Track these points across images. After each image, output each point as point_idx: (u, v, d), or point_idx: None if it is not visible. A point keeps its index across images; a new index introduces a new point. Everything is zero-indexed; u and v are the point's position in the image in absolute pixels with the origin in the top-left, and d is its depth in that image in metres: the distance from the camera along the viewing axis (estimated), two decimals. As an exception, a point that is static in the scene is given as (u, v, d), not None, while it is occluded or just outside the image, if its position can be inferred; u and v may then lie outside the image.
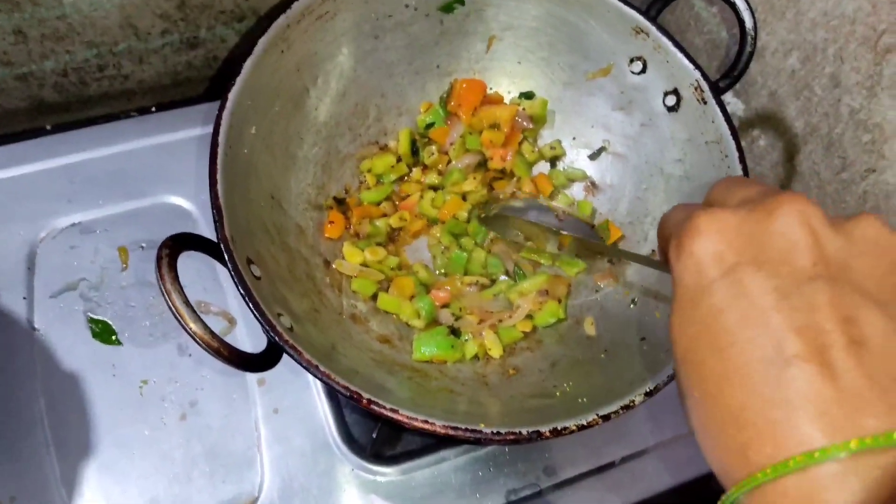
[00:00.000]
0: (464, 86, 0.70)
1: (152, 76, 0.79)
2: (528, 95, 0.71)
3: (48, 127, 0.75)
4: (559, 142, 0.72)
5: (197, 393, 0.62)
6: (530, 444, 0.64)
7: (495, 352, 0.63)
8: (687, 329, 0.33)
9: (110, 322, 0.63)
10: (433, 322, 0.64)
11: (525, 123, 0.71)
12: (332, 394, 0.63)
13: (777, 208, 0.32)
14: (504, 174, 0.71)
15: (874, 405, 0.28)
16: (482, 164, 0.71)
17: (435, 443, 0.62)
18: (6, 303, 0.63)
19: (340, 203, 0.67)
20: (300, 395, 0.63)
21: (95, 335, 0.63)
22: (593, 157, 0.71)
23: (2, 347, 0.61)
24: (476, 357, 0.63)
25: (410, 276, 0.66)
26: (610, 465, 0.65)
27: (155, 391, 0.62)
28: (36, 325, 0.63)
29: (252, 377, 0.63)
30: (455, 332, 0.63)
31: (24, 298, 0.63)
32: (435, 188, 0.70)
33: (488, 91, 0.72)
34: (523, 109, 0.71)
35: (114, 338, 0.63)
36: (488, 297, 0.66)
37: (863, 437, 0.27)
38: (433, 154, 0.70)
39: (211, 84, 0.83)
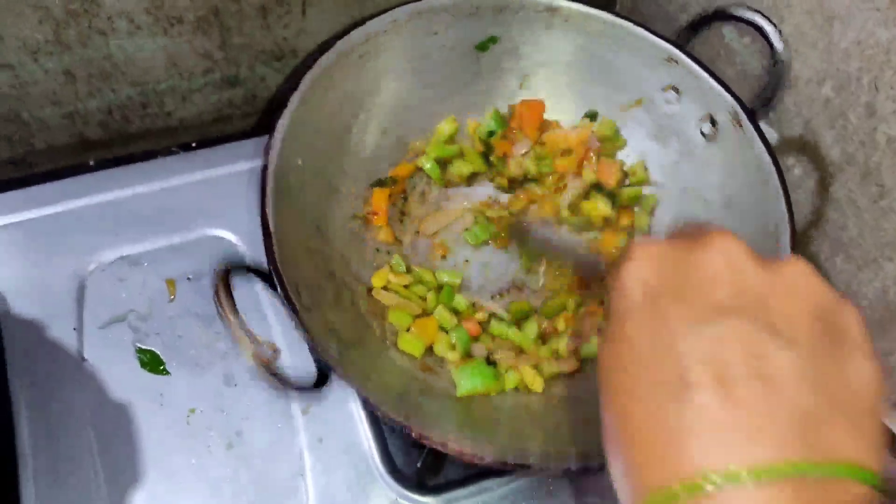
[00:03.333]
0: (524, 106, 0.71)
1: (193, 114, 0.81)
2: (591, 116, 0.72)
3: (91, 163, 0.77)
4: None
5: (242, 422, 0.63)
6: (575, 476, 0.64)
7: (536, 387, 0.63)
8: (608, 348, 0.34)
9: (158, 352, 0.65)
10: (468, 355, 0.64)
11: (596, 144, 0.71)
12: (376, 423, 0.63)
13: (704, 242, 0.33)
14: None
15: (766, 438, 0.28)
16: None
17: (479, 472, 0.62)
18: (57, 334, 0.64)
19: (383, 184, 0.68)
20: (344, 424, 0.64)
21: (144, 365, 0.64)
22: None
23: (52, 377, 0.63)
24: (517, 388, 0.63)
25: (432, 318, 0.65)
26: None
27: (202, 420, 0.63)
28: (85, 356, 0.64)
29: (296, 407, 0.64)
30: (491, 363, 0.64)
31: (74, 329, 0.65)
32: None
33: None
34: (592, 132, 0.71)
35: (162, 367, 0.64)
36: (520, 338, 0.66)
37: (753, 466, 0.28)
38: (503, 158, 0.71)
39: (252, 121, 0.85)
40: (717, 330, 0.31)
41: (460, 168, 0.70)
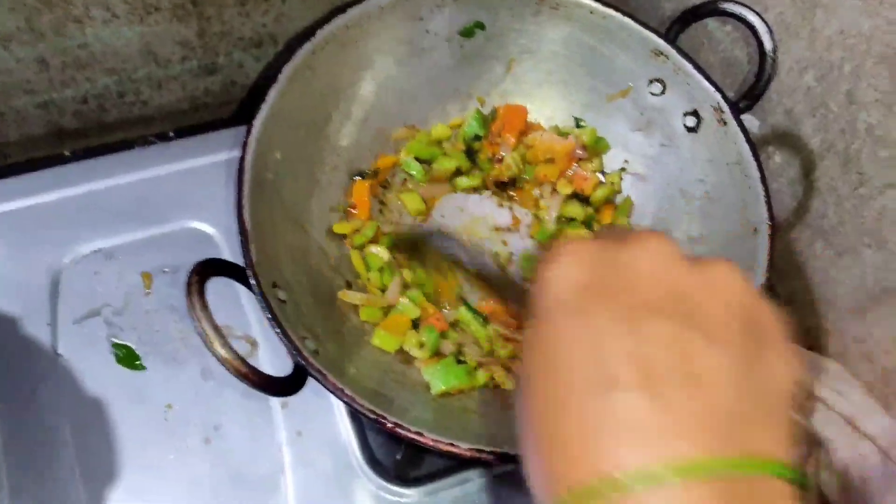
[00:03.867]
0: (506, 110, 0.71)
1: (171, 102, 0.80)
2: (576, 123, 0.72)
3: (67, 153, 0.76)
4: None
5: (221, 417, 0.62)
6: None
7: (507, 384, 0.62)
8: (530, 347, 0.33)
9: (134, 347, 0.64)
10: (437, 353, 0.63)
11: (580, 153, 0.71)
12: (356, 416, 0.63)
13: (633, 242, 0.33)
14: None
15: (691, 435, 0.28)
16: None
17: (458, 464, 0.62)
18: (30, 329, 0.63)
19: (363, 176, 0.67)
20: (324, 418, 0.63)
21: (119, 360, 0.63)
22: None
23: (27, 373, 0.62)
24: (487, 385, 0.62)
25: (403, 314, 0.64)
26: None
27: (179, 415, 0.62)
28: (60, 351, 0.63)
29: (275, 401, 0.63)
30: (461, 361, 0.63)
31: (49, 325, 0.64)
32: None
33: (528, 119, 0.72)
34: (578, 143, 0.71)
35: (138, 362, 0.63)
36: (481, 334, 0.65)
37: (675, 463, 0.27)
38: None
39: (230, 109, 0.84)
40: (645, 329, 0.30)
41: (443, 164, 0.69)
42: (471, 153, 0.71)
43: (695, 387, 0.29)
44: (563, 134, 0.71)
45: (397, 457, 0.61)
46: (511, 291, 0.66)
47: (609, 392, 0.29)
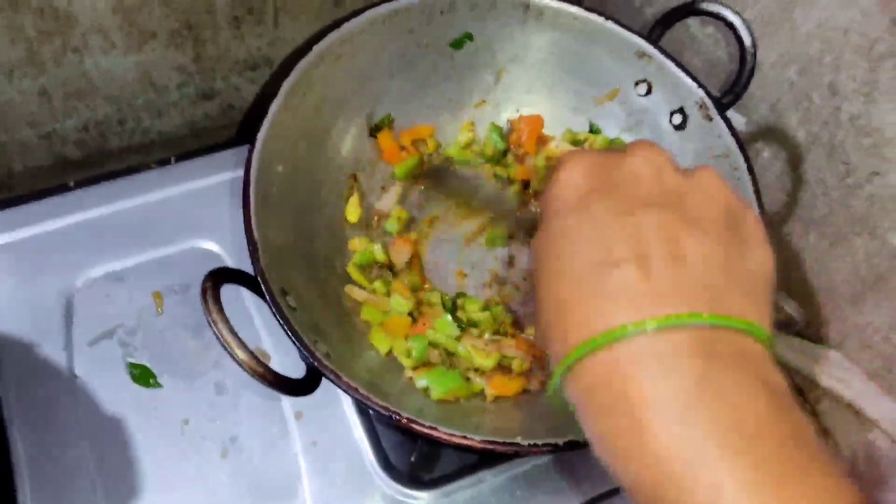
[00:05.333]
0: (523, 122, 0.73)
1: (170, 128, 0.81)
2: (595, 131, 0.73)
3: (71, 184, 0.77)
4: None
5: (237, 429, 0.64)
6: (566, 461, 0.65)
7: (510, 390, 0.63)
8: (540, 243, 0.39)
9: (149, 365, 0.65)
10: (426, 362, 0.63)
11: None
12: (369, 422, 0.64)
13: (630, 150, 0.38)
14: None
15: (676, 299, 0.33)
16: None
17: (472, 464, 0.63)
18: (47, 353, 0.65)
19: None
20: (337, 426, 0.64)
21: (135, 379, 0.64)
22: None
23: (45, 396, 0.63)
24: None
25: (403, 316, 0.65)
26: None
27: (196, 430, 0.63)
28: (76, 373, 0.64)
29: (289, 412, 0.65)
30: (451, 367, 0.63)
31: (64, 348, 0.65)
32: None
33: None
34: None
35: (153, 380, 0.65)
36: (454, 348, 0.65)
37: (661, 316, 0.33)
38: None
39: (229, 133, 0.86)
40: (640, 219, 0.35)
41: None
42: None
43: (680, 264, 0.34)
44: (578, 142, 0.73)
45: (411, 460, 0.63)
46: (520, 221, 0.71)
47: (607, 268, 0.35)
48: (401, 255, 0.68)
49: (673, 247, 0.34)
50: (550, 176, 0.40)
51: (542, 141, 0.74)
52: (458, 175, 0.73)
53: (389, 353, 0.62)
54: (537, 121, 0.74)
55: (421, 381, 0.60)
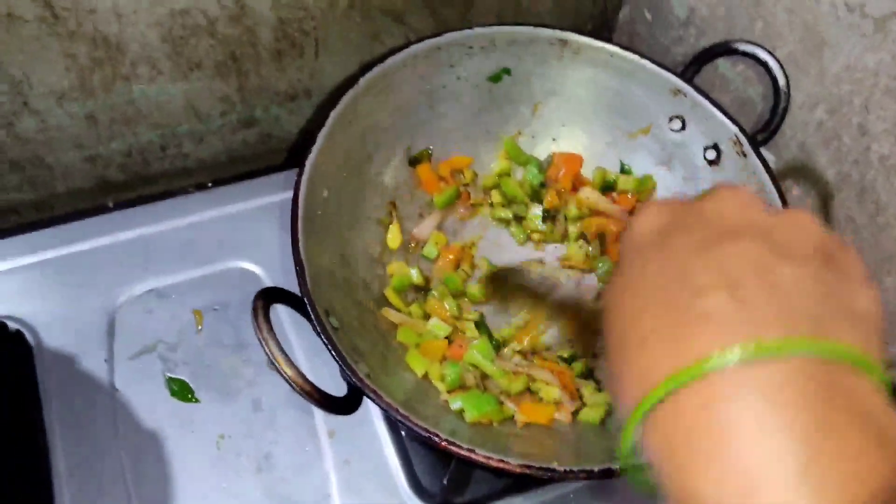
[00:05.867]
0: (562, 158, 0.75)
1: (210, 154, 0.83)
2: (621, 168, 0.75)
3: (110, 204, 0.79)
4: None
5: (271, 446, 0.65)
6: (596, 488, 0.65)
7: (540, 418, 0.64)
8: (616, 284, 0.35)
9: (188, 381, 0.67)
10: (461, 386, 0.64)
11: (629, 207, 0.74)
12: (402, 443, 0.65)
13: (713, 192, 0.35)
14: None
15: (776, 325, 0.29)
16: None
17: (502, 489, 0.64)
18: (88, 366, 0.67)
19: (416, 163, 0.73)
20: (370, 447, 0.65)
21: (174, 393, 0.66)
22: None
23: (85, 408, 0.65)
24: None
25: (440, 339, 0.66)
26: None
27: (231, 446, 0.64)
28: (117, 386, 0.66)
29: (323, 430, 0.66)
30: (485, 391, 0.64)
31: (105, 361, 0.67)
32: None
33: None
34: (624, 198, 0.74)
35: (191, 396, 0.66)
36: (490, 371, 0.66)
37: (760, 343, 0.28)
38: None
39: (266, 161, 0.87)
40: (727, 248, 0.32)
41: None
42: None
43: (774, 292, 0.30)
44: (610, 183, 0.74)
45: (443, 483, 0.63)
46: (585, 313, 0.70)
47: (693, 296, 0.30)
48: (445, 266, 0.70)
49: (767, 275, 0.30)
50: (629, 221, 0.37)
51: (578, 182, 0.75)
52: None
53: (425, 375, 0.63)
54: (576, 160, 0.75)
55: (456, 404, 0.61)
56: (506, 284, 0.72)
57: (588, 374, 0.67)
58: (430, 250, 0.71)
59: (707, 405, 0.28)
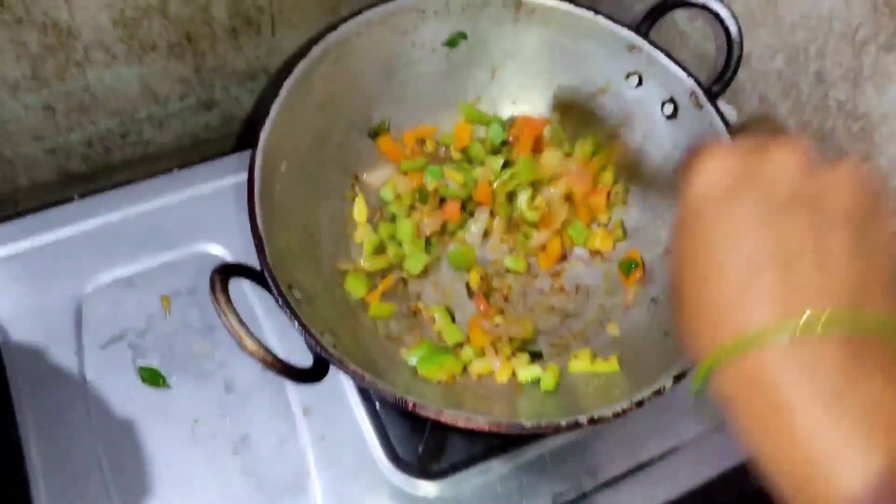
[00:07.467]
0: (524, 122, 0.75)
1: (172, 140, 0.83)
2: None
3: (75, 197, 0.78)
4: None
5: (246, 427, 0.65)
6: (572, 448, 0.66)
7: (503, 376, 0.64)
8: (685, 238, 0.39)
9: (158, 367, 0.66)
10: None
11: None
12: (376, 415, 0.65)
13: (770, 151, 0.38)
14: None
15: (823, 301, 0.34)
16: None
17: (479, 454, 0.64)
18: (58, 358, 0.66)
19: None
20: (345, 421, 0.65)
21: (145, 380, 0.66)
22: None
23: (57, 401, 0.64)
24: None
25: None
26: (649, 463, 0.66)
27: (206, 429, 0.64)
28: (88, 377, 0.65)
29: (297, 408, 0.66)
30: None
31: (75, 352, 0.66)
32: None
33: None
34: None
35: (163, 382, 0.66)
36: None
37: (809, 317, 0.34)
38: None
39: (230, 143, 0.87)
40: (786, 218, 0.36)
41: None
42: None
43: (823, 266, 0.35)
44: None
45: (419, 451, 0.63)
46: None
47: (755, 269, 0.36)
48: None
49: (818, 251, 0.36)
50: (691, 167, 0.40)
51: (538, 145, 0.74)
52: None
53: (390, 337, 0.64)
54: (538, 123, 0.75)
55: (412, 358, 0.62)
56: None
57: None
58: (387, 192, 0.71)
59: (761, 364, 0.34)
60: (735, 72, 0.67)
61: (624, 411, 0.52)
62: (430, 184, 0.71)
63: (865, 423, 0.32)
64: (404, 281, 0.69)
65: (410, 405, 0.49)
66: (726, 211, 0.38)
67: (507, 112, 0.76)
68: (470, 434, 0.50)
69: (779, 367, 0.34)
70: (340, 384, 0.66)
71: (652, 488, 0.65)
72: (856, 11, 0.63)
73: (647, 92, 0.69)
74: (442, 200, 0.72)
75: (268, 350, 0.46)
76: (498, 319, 0.67)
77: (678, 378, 0.53)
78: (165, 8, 0.69)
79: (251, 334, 0.46)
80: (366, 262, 0.67)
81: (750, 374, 0.35)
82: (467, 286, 0.69)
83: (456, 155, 0.75)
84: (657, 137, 0.69)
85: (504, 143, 0.74)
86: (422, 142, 0.75)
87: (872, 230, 0.37)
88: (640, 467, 0.66)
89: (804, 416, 0.33)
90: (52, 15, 0.65)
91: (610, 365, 0.63)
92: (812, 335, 0.34)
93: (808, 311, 0.34)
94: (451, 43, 0.71)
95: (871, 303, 0.35)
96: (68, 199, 0.77)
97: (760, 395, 0.35)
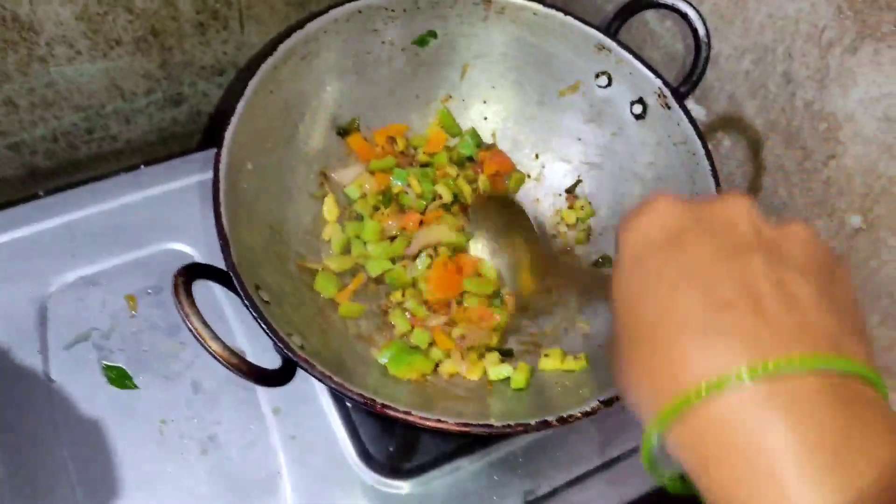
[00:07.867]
0: (492, 153, 0.75)
1: (139, 135, 0.82)
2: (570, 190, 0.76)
3: (41, 193, 0.77)
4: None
5: (215, 427, 0.64)
6: (543, 445, 0.66)
7: (473, 375, 0.64)
8: (629, 284, 0.36)
9: (124, 367, 0.65)
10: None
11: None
12: (347, 414, 0.65)
13: (722, 197, 0.37)
14: None
15: (800, 341, 0.32)
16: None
17: (450, 452, 0.65)
18: (22, 358, 0.65)
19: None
20: (316, 421, 0.65)
21: (111, 381, 0.65)
22: (570, 189, 0.75)
23: (21, 401, 0.63)
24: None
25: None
26: (617, 459, 0.67)
27: (174, 429, 0.64)
28: (53, 378, 0.65)
29: (267, 407, 0.65)
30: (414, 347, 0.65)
31: (40, 353, 0.65)
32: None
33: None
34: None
35: (129, 382, 0.65)
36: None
37: (784, 357, 0.31)
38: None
39: (198, 139, 0.86)
40: (743, 261, 0.34)
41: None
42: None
43: (795, 308, 0.33)
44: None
45: (389, 450, 0.63)
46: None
47: (717, 309, 0.32)
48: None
49: (784, 290, 0.33)
50: (631, 215, 0.38)
51: (499, 180, 0.75)
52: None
53: (359, 335, 0.64)
54: (506, 162, 0.75)
55: (383, 358, 0.62)
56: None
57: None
58: (353, 190, 0.71)
59: (735, 412, 0.31)
60: (703, 72, 0.67)
61: (594, 410, 0.52)
62: (396, 187, 0.71)
63: (859, 491, 0.29)
64: (374, 280, 0.68)
65: (378, 407, 0.49)
66: (675, 254, 0.35)
67: (478, 112, 0.76)
68: (441, 433, 0.50)
69: (761, 414, 0.30)
70: (311, 384, 0.66)
71: (620, 485, 0.66)
72: (821, 13, 0.64)
73: (617, 92, 0.69)
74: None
75: (233, 352, 0.46)
76: (460, 329, 0.66)
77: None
78: (130, 2, 0.68)
79: (216, 336, 0.46)
80: (334, 261, 0.67)
81: (723, 419, 0.31)
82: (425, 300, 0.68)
83: (423, 157, 0.74)
84: (626, 137, 0.69)
85: (471, 158, 0.75)
86: (392, 140, 0.74)
87: (836, 286, 0.35)
88: (611, 463, 0.67)
89: (794, 478, 0.29)
90: (11, 9, 0.64)
91: (580, 363, 0.63)
92: (794, 377, 0.31)
93: (790, 352, 0.31)
94: (422, 42, 0.71)
95: (850, 349, 0.32)
96: (33, 197, 0.76)
97: (739, 446, 0.31)
